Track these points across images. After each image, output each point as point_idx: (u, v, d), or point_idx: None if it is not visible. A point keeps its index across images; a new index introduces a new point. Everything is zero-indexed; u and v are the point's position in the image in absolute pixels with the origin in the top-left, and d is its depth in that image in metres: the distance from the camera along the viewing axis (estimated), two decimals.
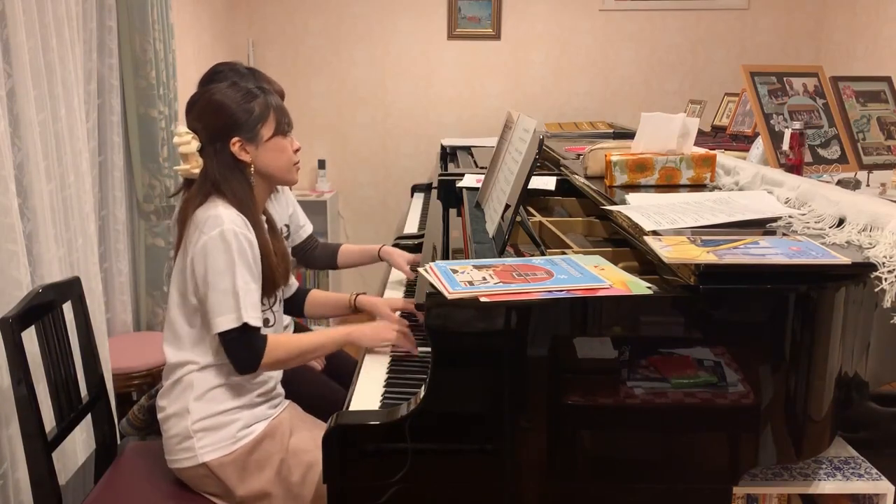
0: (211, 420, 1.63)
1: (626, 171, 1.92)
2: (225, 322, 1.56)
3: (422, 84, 4.46)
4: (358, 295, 2.01)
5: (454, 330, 1.27)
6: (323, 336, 1.72)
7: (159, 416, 1.69)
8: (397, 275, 2.36)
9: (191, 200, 1.67)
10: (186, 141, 1.66)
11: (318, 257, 2.37)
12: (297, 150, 1.76)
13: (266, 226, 1.74)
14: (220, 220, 1.58)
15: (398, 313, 1.93)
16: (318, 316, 2.12)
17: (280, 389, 1.79)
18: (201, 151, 1.68)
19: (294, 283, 2.02)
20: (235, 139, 1.66)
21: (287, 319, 2.22)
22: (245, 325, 1.57)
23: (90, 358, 1.89)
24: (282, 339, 1.67)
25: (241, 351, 1.60)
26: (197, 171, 1.68)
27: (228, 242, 1.57)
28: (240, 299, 1.56)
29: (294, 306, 2.04)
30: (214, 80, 1.94)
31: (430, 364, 1.30)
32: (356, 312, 2.02)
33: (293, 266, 2.15)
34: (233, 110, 1.65)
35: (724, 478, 1.32)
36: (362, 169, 4.57)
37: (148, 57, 2.81)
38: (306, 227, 2.37)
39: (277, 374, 1.77)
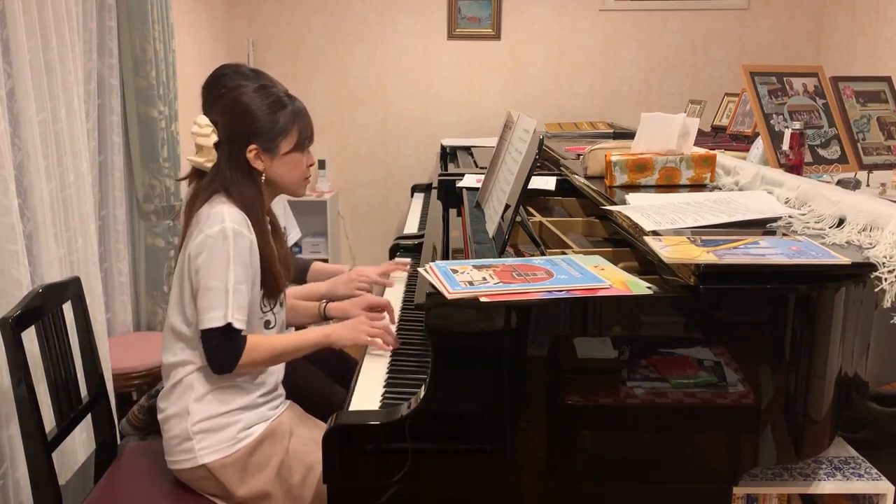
0: (211, 422, 1.62)
1: (626, 171, 1.92)
2: (212, 319, 1.55)
3: (422, 84, 4.46)
4: (328, 303, 1.96)
5: (454, 330, 1.27)
6: (300, 338, 1.70)
7: (159, 416, 1.69)
8: (396, 273, 2.36)
9: (199, 195, 1.66)
10: (206, 133, 1.64)
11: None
12: (310, 165, 1.74)
13: (269, 228, 1.73)
14: (222, 217, 1.58)
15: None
16: (292, 324, 2.02)
17: (281, 389, 1.78)
18: (216, 146, 1.66)
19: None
20: (253, 147, 1.63)
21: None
22: (229, 325, 1.55)
23: (90, 358, 1.89)
24: (260, 339, 1.65)
25: (219, 350, 1.58)
26: (209, 164, 1.66)
27: (228, 240, 1.56)
28: (229, 298, 1.55)
29: None
30: (221, 83, 1.92)
31: (430, 364, 1.30)
32: (326, 320, 1.95)
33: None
34: (258, 117, 1.63)
35: (724, 478, 1.32)
36: (362, 169, 4.57)
37: (148, 57, 2.81)
38: (292, 236, 2.35)
39: (278, 374, 1.76)
